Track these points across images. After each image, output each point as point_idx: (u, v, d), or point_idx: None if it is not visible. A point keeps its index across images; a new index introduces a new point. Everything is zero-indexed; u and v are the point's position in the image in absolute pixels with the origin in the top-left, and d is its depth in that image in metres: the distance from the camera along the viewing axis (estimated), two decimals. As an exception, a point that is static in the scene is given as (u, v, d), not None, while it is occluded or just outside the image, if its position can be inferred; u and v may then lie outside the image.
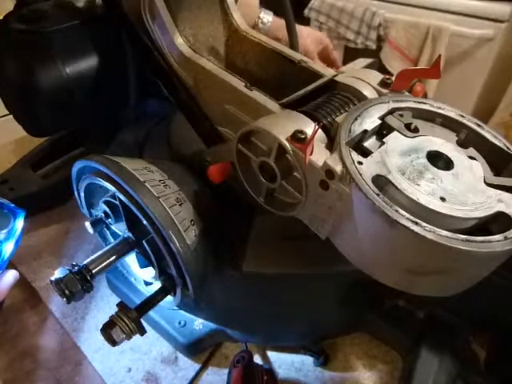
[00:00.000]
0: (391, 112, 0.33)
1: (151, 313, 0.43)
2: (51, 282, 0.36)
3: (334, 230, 0.32)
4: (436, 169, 0.29)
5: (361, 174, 0.28)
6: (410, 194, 0.27)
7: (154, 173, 0.39)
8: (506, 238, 0.26)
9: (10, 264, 0.61)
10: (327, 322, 0.49)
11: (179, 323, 0.49)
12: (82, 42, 0.49)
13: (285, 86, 0.38)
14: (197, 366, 0.49)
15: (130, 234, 0.40)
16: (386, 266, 0.30)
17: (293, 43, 0.55)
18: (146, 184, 0.36)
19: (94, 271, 0.37)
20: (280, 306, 0.46)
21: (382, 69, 1.33)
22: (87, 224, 0.42)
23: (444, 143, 0.32)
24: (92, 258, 0.38)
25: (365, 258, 0.31)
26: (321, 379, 0.48)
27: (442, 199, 0.27)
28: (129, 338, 0.37)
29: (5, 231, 0.37)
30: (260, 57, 0.46)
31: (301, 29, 0.57)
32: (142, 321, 0.38)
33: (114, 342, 0.36)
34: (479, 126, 0.33)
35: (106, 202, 0.41)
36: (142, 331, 0.37)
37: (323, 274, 0.42)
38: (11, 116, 0.53)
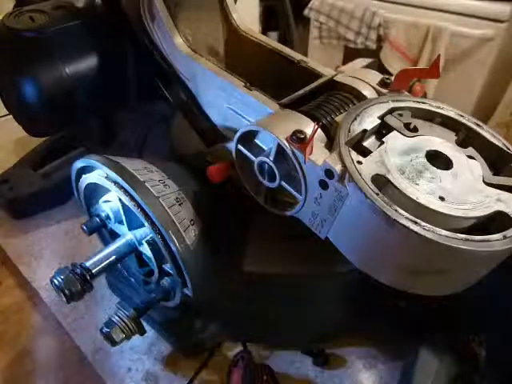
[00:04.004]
0: (390, 112, 0.33)
1: (151, 312, 0.43)
2: (51, 281, 0.36)
3: (333, 229, 0.32)
4: (435, 168, 0.29)
5: (360, 174, 0.28)
6: (410, 193, 0.27)
7: (154, 173, 0.39)
8: (505, 237, 0.26)
9: (10, 264, 0.62)
10: (327, 321, 0.49)
11: (179, 323, 0.49)
12: (82, 41, 0.49)
13: (284, 85, 0.38)
14: (197, 366, 0.49)
15: (130, 234, 0.40)
16: (385, 266, 0.30)
17: (292, 43, 0.55)
18: (146, 184, 0.36)
19: (93, 271, 0.37)
20: (280, 306, 0.46)
21: (381, 69, 1.33)
22: (83, 227, 0.42)
23: (443, 143, 0.32)
24: (92, 258, 0.38)
25: (365, 257, 0.31)
26: (321, 379, 0.48)
27: (441, 198, 0.27)
28: (129, 337, 0.37)
29: None
30: (259, 57, 0.46)
31: None
32: (142, 321, 0.38)
33: (113, 342, 0.36)
34: (478, 125, 0.33)
35: (106, 202, 0.41)
36: (142, 331, 0.37)
37: (323, 274, 0.42)
38: (11, 116, 0.53)
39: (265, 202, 0.37)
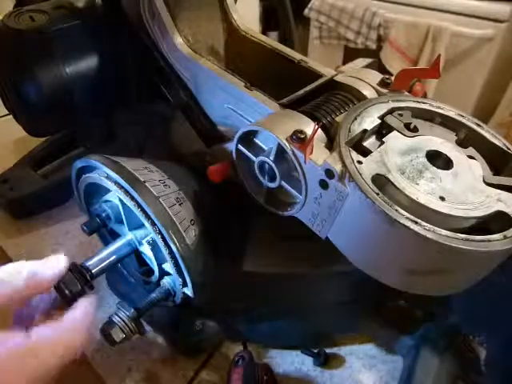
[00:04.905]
0: (391, 111, 0.33)
1: (151, 312, 0.43)
2: (51, 281, 0.36)
3: (333, 229, 0.32)
4: (435, 168, 0.29)
5: (360, 174, 0.28)
6: (410, 193, 0.27)
7: (154, 172, 0.39)
8: (505, 237, 0.26)
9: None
10: (327, 321, 0.49)
11: (179, 323, 0.49)
12: (82, 41, 0.49)
13: (284, 85, 0.38)
14: (196, 366, 0.49)
15: (130, 234, 0.40)
16: (385, 266, 0.30)
17: (292, 43, 0.55)
18: (146, 184, 0.36)
19: (94, 271, 0.37)
20: (280, 306, 0.46)
21: (381, 69, 1.33)
22: (83, 227, 0.42)
23: (443, 143, 0.32)
24: (92, 258, 0.38)
25: (365, 257, 0.31)
26: (321, 379, 0.48)
27: (442, 198, 0.27)
28: (129, 337, 0.37)
29: None
30: (260, 56, 0.46)
31: None
32: (142, 320, 0.38)
33: (113, 342, 0.36)
34: (478, 125, 0.33)
35: (106, 202, 0.41)
36: (143, 331, 0.37)
37: (323, 274, 0.42)
38: (11, 116, 0.53)
39: (265, 202, 0.37)
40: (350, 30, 1.41)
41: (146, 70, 0.50)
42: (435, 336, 0.45)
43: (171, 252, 0.36)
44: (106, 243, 0.47)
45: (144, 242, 0.39)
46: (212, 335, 0.49)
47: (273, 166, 0.33)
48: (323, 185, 0.30)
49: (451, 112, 0.34)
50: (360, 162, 0.29)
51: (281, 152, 0.32)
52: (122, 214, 0.39)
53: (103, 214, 0.42)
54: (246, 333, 0.49)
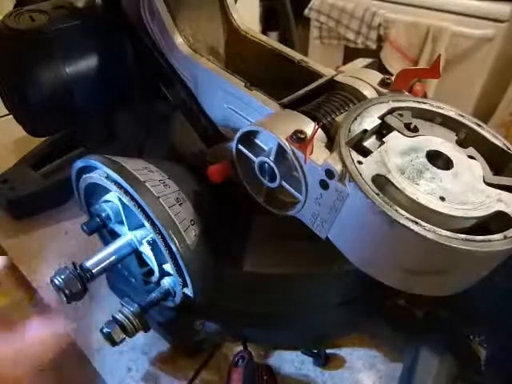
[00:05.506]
0: (391, 112, 0.33)
1: (151, 312, 0.43)
2: (51, 282, 0.36)
3: (333, 229, 0.32)
4: (435, 168, 0.29)
5: (360, 174, 0.28)
6: (410, 193, 0.27)
7: (154, 172, 0.39)
8: (505, 237, 0.26)
9: (11, 264, 0.61)
10: (327, 322, 0.49)
11: (179, 323, 0.49)
12: (82, 41, 0.49)
13: (285, 85, 0.38)
14: (197, 366, 0.49)
15: (130, 234, 0.40)
16: (385, 266, 0.30)
17: (292, 43, 0.55)
18: (146, 184, 0.36)
19: (94, 271, 0.37)
20: (280, 306, 0.46)
21: (382, 69, 1.33)
22: (83, 227, 0.42)
23: (443, 143, 0.32)
24: (92, 258, 0.38)
25: (365, 257, 0.31)
26: (321, 379, 0.48)
27: (442, 199, 0.27)
28: (133, 334, 0.37)
29: None
30: (260, 57, 0.46)
31: None
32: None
33: (113, 342, 0.36)
34: (479, 125, 0.33)
35: (106, 202, 0.41)
36: (147, 327, 0.37)
37: (323, 274, 0.42)
38: (11, 116, 0.53)
39: (265, 202, 0.37)
40: (350, 30, 1.41)
41: (146, 70, 0.50)
42: (435, 336, 0.45)
43: (171, 252, 0.36)
44: (106, 243, 0.47)
45: (144, 242, 0.39)
46: (212, 335, 0.49)
47: (273, 166, 0.33)
48: (323, 185, 0.30)
49: (451, 112, 0.34)
50: (360, 162, 0.29)
51: (281, 152, 0.32)
52: (122, 214, 0.39)
53: (103, 214, 0.42)
54: (246, 333, 0.49)
